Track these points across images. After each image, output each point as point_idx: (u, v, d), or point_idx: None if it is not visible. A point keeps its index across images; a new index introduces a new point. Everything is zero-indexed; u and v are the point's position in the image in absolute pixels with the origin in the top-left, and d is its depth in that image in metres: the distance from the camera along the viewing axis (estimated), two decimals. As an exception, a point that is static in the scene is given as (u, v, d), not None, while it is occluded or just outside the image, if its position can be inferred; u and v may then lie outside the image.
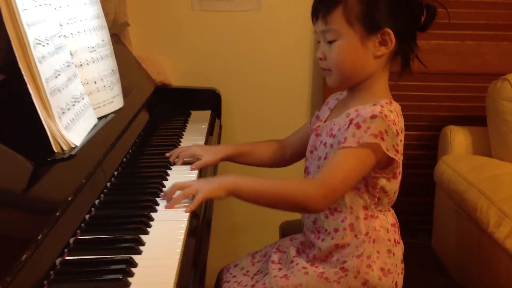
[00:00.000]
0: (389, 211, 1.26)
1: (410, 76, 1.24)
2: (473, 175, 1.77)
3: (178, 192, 1.13)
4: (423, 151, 2.24)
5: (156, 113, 1.90)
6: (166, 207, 1.11)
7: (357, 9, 1.13)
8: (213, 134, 1.82)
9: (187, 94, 2.09)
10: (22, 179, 0.92)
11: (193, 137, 1.69)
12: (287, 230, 1.65)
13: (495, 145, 1.92)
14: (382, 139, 1.09)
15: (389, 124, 1.11)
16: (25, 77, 0.97)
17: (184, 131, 1.74)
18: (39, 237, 0.83)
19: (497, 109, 1.89)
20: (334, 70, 1.20)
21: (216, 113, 2.05)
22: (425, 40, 2.09)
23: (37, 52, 1.00)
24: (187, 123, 1.85)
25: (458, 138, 2.02)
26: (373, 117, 1.10)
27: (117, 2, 1.96)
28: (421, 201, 2.24)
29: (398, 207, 1.29)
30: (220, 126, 2.04)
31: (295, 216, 2.27)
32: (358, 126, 1.11)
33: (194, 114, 1.96)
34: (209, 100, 2.08)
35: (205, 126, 1.82)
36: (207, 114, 1.98)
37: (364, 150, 1.10)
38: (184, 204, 1.11)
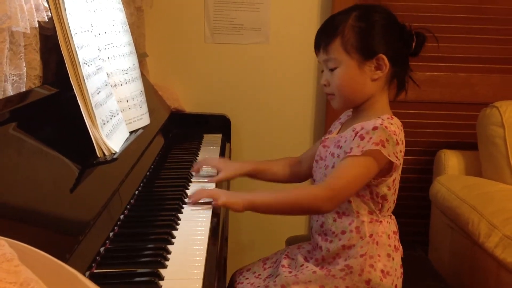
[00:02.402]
0: (391, 217, 1.37)
1: (405, 96, 1.38)
2: (465, 193, 1.90)
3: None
4: (419, 174, 2.38)
5: (172, 136, 2.05)
6: (192, 202, 1.28)
7: (353, 39, 1.28)
8: (224, 157, 1.96)
9: (200, 119, 2.23)
10: (72, 178, 1.06)
11: (207, 156, 1.83)
12: (293, 244, 1.76)
13: (485, 166, 2.06)
14: (383, 146, 1.22)
15: (389, 133, 1.23)
16: (75, 92, 1.12)
17: (199, 151, 1.89)
18: (92, 220, 0.97)
19: (486, 133, 2.04)
20: (337, 94, 1.34)
21: (226, 137, 2.18)
22: (420, 71, 2.28)
23: (84, 70, 1.15)
24: (201, 145, 1.98)
25: (452, 161, 2.16)
26: (375, 128, 1.24)
27: (137, 35, 2.12)
28: (418, 222, 2.35)
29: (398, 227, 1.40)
30: (230, 149, 2.18)
31: (301, 231, 2.40)
32: (362, 138, 1.24)
33: (207, 137, 2.09)
34: (219, 125, 2.21)
35: (217, 147, 1.96)
36: (218, 137, 2.11)
37: (367, 158, 1.23)
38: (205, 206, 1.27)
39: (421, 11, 2.27)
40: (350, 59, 1.29)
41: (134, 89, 1.46)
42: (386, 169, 1.27)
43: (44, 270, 0.62)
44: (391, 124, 1.26)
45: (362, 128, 1.26)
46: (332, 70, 1.31)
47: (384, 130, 1.23)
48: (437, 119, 2.36)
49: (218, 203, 1.25)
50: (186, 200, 1.31)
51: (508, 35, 2.31)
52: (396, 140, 1.24)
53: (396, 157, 1.24)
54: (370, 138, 1.23)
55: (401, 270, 1.36)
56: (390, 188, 1.30)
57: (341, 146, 1.31)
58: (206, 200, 1.29)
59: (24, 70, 1.06)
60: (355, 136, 1.26)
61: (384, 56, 1.28)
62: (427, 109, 2.35)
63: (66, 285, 0.63)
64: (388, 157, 1.23)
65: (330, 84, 1.33)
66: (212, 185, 1.45)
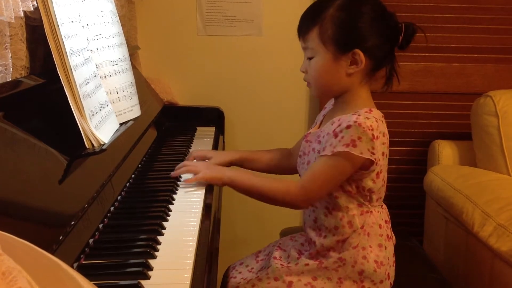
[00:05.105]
0: (382, 206, 1.36)
1: (389, 90, 1.35)
2: (459, 182, 1.90)
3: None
4: (414, 165, 2.37)
5: (165, 129, 2.04)
6: (172, 174, 1.39)
7: (330, 31, 1.24)
8: (217, 149, 1.95)
9: (193, 112, 2.22)
10: (60, 169, 1.05)
11: (200, 148, 1.82)
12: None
13: (479, 156, 2.06)
14: (354, 146, 1.19)
15: (363, 130, 1.20)
16: (62, 82, 1.10)
17: (192, 143, 1.88)
18: (80, 212, 0.96)
19: (480, 123, 2.03)
20: (312, 83, 1.32)
21: (220, 130, 2.17)
22: (414, 62, 2.27)
23: (72, 61, 1.13)
24: (194, 137, 1.98)
25: (446, 151, 2.16)
26: (348, 127, 1.21)
27: (128, 27, 2.11)
28: (412, 212, 2.36)
29: (392, 218, 1.40)
30: (223, 142, 2.17)
31: (296, 223, 2.39)
32: (335, 135, 1.22)
33: (200, 130, 2.09)
34: (213, 117, 2.20)
35: (210, 140, 1.96)
36: (211, 130, 2.10)
37: (337, 158, 1.21)
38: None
39: (414, 1, 2.25)
40: (326, 51, 1.26)
41: (124, 80, 1.44)
42: (367, 164, 1.24)
43: (27, 259, 0.61)
44: (367, 118, 1.22)
45: (339, 125, 1.23)
46: (310, 59, 1.29)
47: (357, 128, 1.20)
48: (431, 109, 2.36)
49: (196, 178, 1.35)
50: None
51: (502, 25, 2.31)
52: (372, 134, 1.21)
53: (372, 152, 1.21)
54: (342, 137, 1.21)
55: (394, 258, 1.36)
56: (375, 181, 1.28)
57: (321, 142, 1.29)
58: (187, 175, 1.38)
59: (10, 60, 1.05)
60: (332, 133, 1.24)
61: (359, 52, 1.23)
62: (421, 100, 2.34)
63: (49, 274, 0.62)
64: (360, 155, 1.20)
65: (308, 72, 1.32)
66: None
